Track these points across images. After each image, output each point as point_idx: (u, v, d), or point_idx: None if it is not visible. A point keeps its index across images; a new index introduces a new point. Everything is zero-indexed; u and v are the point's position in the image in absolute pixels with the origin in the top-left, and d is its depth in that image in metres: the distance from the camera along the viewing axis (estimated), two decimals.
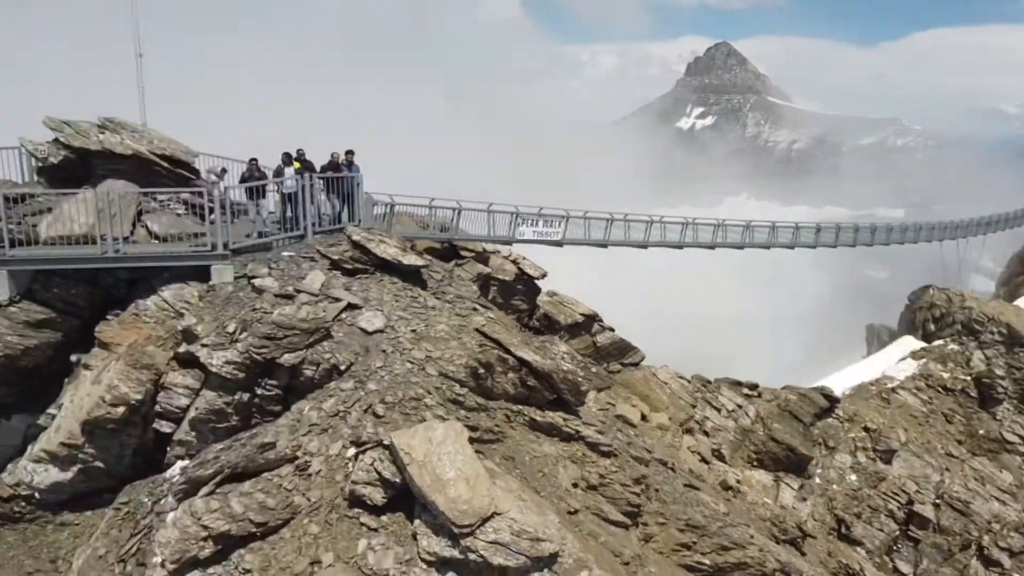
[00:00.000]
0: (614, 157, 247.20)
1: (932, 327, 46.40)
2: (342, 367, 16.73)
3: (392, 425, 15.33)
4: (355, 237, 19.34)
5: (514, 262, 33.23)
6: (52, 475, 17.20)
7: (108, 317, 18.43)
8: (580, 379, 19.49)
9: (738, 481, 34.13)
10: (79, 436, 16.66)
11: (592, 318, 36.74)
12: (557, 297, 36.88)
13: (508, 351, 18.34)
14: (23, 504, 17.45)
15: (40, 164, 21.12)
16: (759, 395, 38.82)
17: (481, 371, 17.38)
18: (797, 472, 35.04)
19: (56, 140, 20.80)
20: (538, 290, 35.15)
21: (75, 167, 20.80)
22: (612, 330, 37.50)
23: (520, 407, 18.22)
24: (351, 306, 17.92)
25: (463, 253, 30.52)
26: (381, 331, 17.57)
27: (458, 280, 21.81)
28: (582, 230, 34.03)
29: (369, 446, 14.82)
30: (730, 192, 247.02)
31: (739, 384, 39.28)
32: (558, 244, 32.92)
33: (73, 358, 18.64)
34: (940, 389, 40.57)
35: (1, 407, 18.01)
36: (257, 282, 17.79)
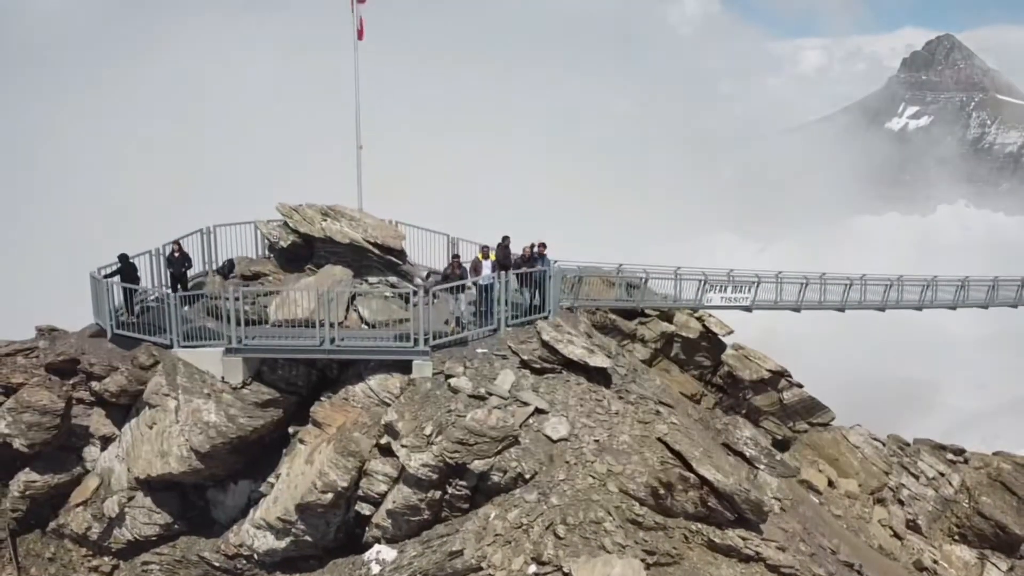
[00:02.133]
0: (814, 159, 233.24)
1: None
2: (527, 476, 17.48)
3: (572, 548, 15.85)
4: (545, 337, 20.01)
5: (699, 319, 32.78)
6: (269, 541, 19.41)
7: (321, 398, 20.38)
8: (762, 500, 18.98)
9: (935, 561, 31.71)
10: (293, 514, 18.67)
11: (780, 374, 35.43)
12: (743, 351, 35.84)
13: (690, 467, 18.27)
14: (244, 562, 19.85)
15: (271, 243, 23.71)
16: (965, 461, 35.51)
17: (662, 491, 17.47)
18: (1007, 552, 31.67)
19: (286, 224, 23.23)
20: (723, 346, 34.39)
21: (301, 248, 23.15)
22: (800, 386, 35.91)
23: (699, 526, 18.08)
24: (538, 410, 18.61)
25: (647, 311, 30.66)
26: (565, 439, 18.13)
27: (642, 375, 21.88)
28: (773, 293, 32.80)
29: (549, 571, 15.42)
30: (945, 199, 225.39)
31: (942, 448, 36.20)
32: (747, 310, 31.98)
33: (291, 430, 20.85)
34: None
35: (230, 473, 20.49)
36: (453, 382, 18.91)
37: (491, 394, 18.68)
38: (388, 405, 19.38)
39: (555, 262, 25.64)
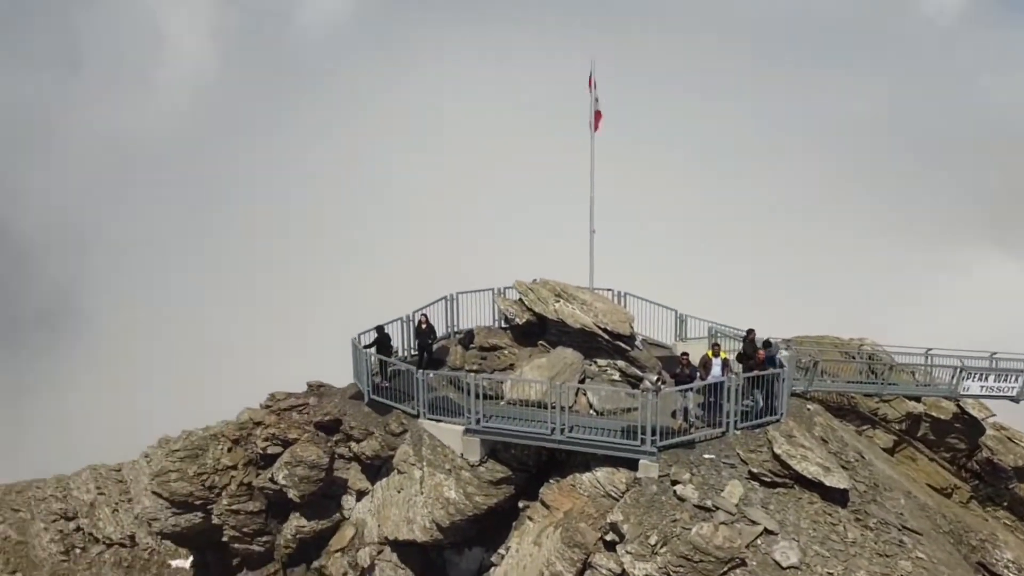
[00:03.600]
0: None
1: None
2: None
3: None
4: (777, 450, 19.41)
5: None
6: None
7: (551, 481, 21.34)
8: None
9: None
10: None
11: None
12: (1006, 432, 32.10)
13: None
14: None
15: (506, 317, 25.15)
16: None
17: None
18: None
19: (521, 301, 24.49)
20: (982, 429, 31.10)
21: (534, 326, 24.29)
22: None
23: None
24: (766, 531, 18.16)
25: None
26: (796, 568, 17.55)
27: (884, 492, 20.45)
28: None
29: None
30: None
31: None
32: (1014, 400, 28.54)
33: (520, 504, 22.05)
34: None
35: (465, 539, 22.13)
36: (679, 489, 18.98)
37: (718, 507, 18.53)
38: (614, 500, 19.89)
39: (786, 346, 24.72)
